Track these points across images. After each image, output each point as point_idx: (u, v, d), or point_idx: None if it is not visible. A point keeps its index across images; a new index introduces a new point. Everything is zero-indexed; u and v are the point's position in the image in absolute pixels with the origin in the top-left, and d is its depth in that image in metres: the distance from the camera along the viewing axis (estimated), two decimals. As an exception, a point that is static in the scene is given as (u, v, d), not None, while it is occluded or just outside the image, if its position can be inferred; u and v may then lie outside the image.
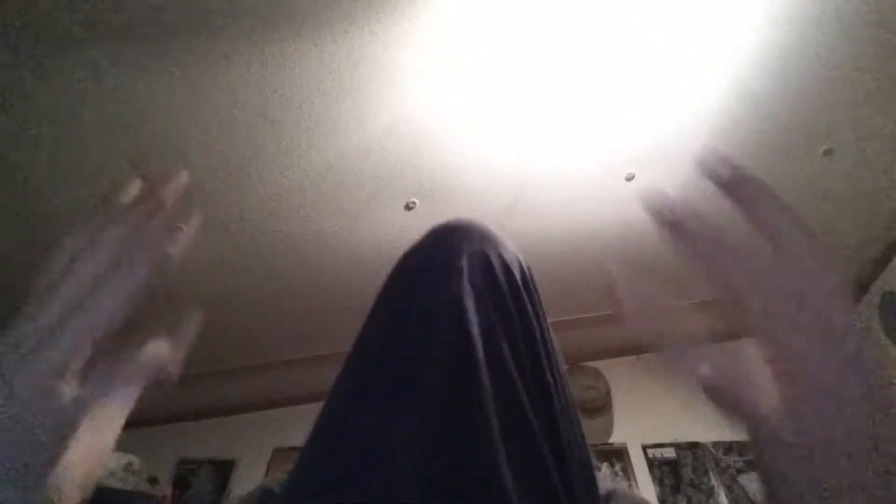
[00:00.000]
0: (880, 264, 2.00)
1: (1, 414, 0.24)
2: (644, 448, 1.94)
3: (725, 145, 1.47)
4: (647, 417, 2.01)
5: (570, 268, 1.79)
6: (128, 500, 1.27)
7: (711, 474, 1.84)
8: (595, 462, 0.44)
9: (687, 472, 1.86)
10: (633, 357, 2.21)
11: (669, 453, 1.91)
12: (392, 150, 1.32)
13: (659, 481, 1.85)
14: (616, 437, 1.97)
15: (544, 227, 1.64)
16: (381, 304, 0.47)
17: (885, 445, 0.22)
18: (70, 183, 1.24)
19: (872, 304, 2.07)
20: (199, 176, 1.29)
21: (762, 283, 0.26)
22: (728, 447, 1.89)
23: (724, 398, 0.26)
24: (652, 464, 1.89)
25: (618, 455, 1.93)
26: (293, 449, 2.07)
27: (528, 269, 0.52)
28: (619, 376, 2.11)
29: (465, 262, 0.45)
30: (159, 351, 0.31)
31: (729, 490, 1.79)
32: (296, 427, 1.97)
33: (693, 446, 1.92)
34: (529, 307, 0.46)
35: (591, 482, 0.42)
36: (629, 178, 1.52)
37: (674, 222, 0.29)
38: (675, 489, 1.82)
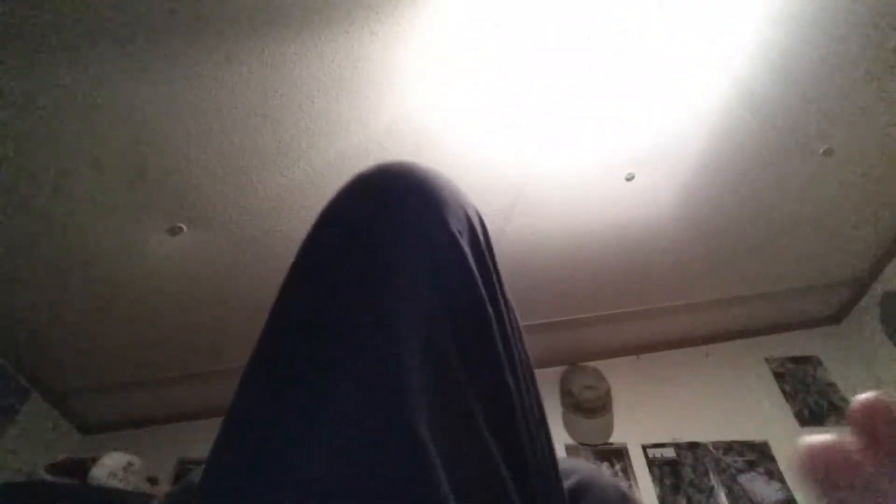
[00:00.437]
0: (880, 264, 2.00)
1: None
2: (644, 448, 1.93)
3: (725, 145, 1.47)
4: (647, 417, 2.00)
5: (570, 268, 1.79)
6: (128, 500, 1.27)
7: (711, 474, 1.84)
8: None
9: (687, 472, 1.86)
10: (633, 357, 2.21)
11: (669, 453, 1.91)
12: (392, 150, 1.32)
13: (659, 481, 1.84)
14: (616, 437, 1.97)
15: (544, 227, 1.64)
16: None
17: None
18: (70, 183, 1.24)
19: (873, 303, 2.07)
20: (199, 176, 1.29)
21: None
22: (728, 447, 1.89)
23: None
24: (652, 464, 1.89)
25: (618, 455, 1.93)
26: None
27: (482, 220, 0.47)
28: (619, 376, 2.11)
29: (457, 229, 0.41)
30: None
31: (729, 490, 1.79)
32: (296, 427, 1.96)
33: (693, 446, 1.92)
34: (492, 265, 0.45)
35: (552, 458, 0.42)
36: (629, 178, 1.52)
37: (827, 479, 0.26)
38: (675, 489, 1.82)
